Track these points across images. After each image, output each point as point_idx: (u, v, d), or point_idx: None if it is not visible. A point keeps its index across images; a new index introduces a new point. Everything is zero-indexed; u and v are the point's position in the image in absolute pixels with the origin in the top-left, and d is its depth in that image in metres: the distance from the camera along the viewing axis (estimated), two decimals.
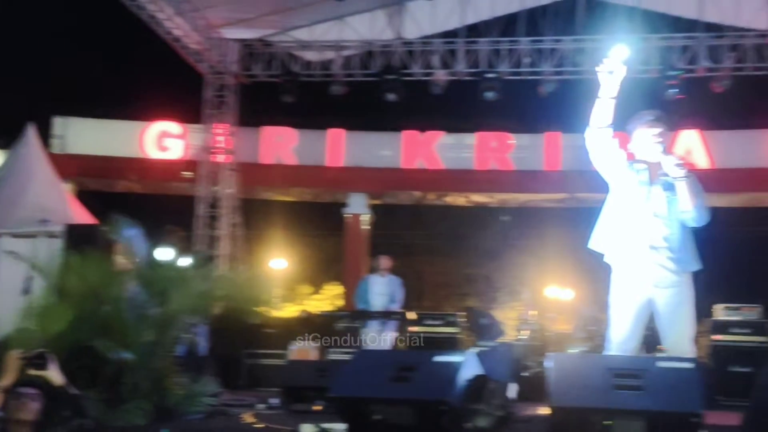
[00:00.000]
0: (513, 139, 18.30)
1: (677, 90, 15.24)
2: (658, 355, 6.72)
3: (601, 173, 4.94)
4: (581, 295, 12.39)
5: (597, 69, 4.73)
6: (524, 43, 16.07)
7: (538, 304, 12.06)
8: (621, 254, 4.79)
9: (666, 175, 4.72)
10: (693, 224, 4.73)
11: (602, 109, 4.75)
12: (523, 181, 17.98)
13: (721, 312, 11.39)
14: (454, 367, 4.67)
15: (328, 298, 26.31)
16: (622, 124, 5.06)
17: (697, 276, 4.92)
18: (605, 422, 4.26)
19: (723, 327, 11.12)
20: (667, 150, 4.79)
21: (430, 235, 26.54)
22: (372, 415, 4.64)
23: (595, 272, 17.87)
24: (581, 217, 21.70)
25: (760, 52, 15.57)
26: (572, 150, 17.89)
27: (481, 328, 12.41)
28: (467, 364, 4.71)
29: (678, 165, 4.60)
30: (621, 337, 4.82)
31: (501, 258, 27.56)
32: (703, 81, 15.81)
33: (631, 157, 4.93)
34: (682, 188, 4.61)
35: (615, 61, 4.67)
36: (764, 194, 17.56)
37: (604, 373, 4.42)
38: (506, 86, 16.02)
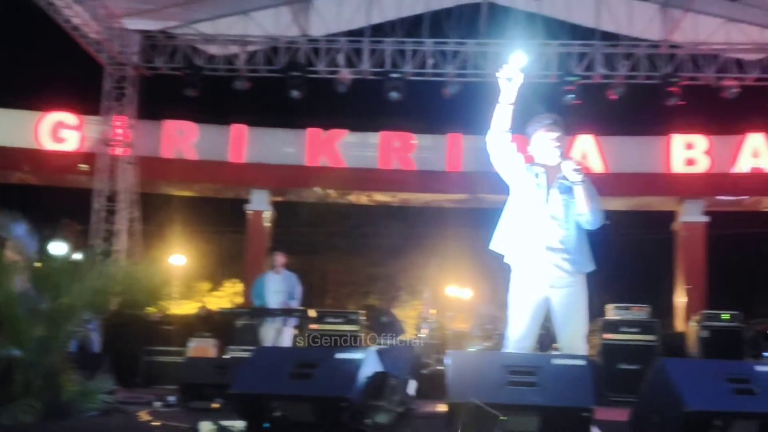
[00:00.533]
0: (416, 140, 18.43)
1: (574, 95, 15.71)
2: (553, 353, 6.96)
3: (501, 176, 5.05)
4: (480, 295, 12.64)
5: (497, 75, 4.82)
6: (428, 44, 16.28)
7: (438, 303, 12.22)
8: (519, 255, 4.90)
9: (564, 178, 4.85)
10: (588, 227, 4.88)
11: (501, 114, 4.86)
12: (425, 181, 18.16)
13: (612, 312, 11.79)
14: (355, 364, 4.70)
15: (227, 296, 26.01)
16: (521, 127, 5.18)
17: (590, 276, 5.09)
18: (501, 418, 4.36)
19: (613, 326, 11.52)
20: (565, 154, 4.91)
21: (333, 234, 26.55)
22: (272, 411, 4.62)
23: (494, 272, 18.27)
24: (482, 218, 22.08)
25: (652, 62, 16.19)
26: (474, 151, 18.19)
27: (382, 326, 12.54)
28: (368, 362, 4.74)
29: (576, 170, 4.72)
30: (518, 336, 4.93)
31: (403, 257, 27.85)
32: (599, 88, 16.34)
33: (530, 160, 5.04)
34: (579, 192, 4.75)
35: (513, 67, 4.78)
36: (654, 198, 18.28)
37: (499, 370, 4.53)
38: (410, 87, 16.20)
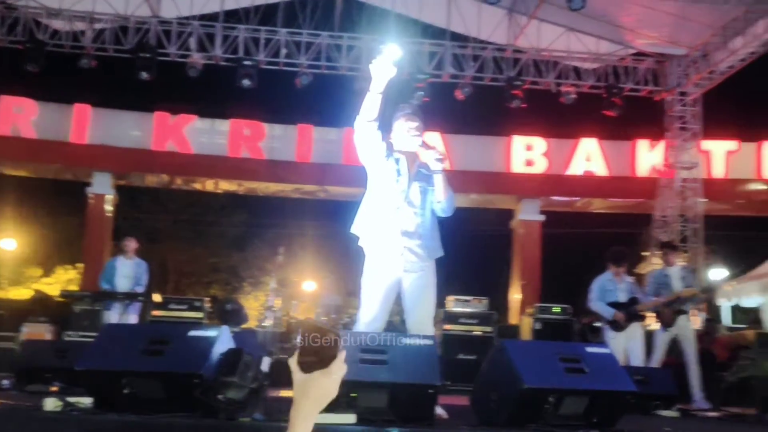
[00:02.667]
0: (266, 129, 18.37)
1: (423, 93, 16.15)
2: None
3: (364, 162, 5.17)
4: (325, 285, 12.84)
5: (370, 65, 4.94)
6: (282, 33, 16.28)
7: (283, 292, 12.28)
8: (374, 239, 5.04)
9: (422, 166, 5.03)
10: (443, 214, 5.11)
11: (370, 103, 4.96)
12: (274, 171, 18.13)
13: (452, 304, 12.24)
14: (208, 342, 4.73)
15: (59, 282, 24.91)
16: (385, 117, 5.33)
17: (438, 265, 5.32)
18: (352, 394, 4.52)
19: (453, 318, 11.96)
20: (426, 144, 5.06)
21: (177, 221, 26.01)
22: (122, 388, 4.58)
23: (340, 263, 18.50)
24: (330, 210, 22.39)
25: (498, 64, 16.89)
26: (323, 143, 18.38)
27: (227, 313, 12.47)
28: (221, 339, 4.78)
29: (438, 159, 4.89)
30: (369, 317, 5.09)
31: (247, 248, 27.67)
32: (447, 87, 16.88)
33: (389, 148, 5.19)
34: (439, 180, 4.96)
35: (387, 60, 4.89)
36: (495, 196, 19.05)
37: (351, 350, 4.68)
38: (262, 75, 16.17)
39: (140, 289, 10.86)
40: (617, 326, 8.98)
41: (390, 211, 5.01)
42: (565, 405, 4.84)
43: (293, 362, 1.83)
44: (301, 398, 1.76)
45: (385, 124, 5.19)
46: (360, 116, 4.99)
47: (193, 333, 4.86)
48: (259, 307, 25.58)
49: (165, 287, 24.48)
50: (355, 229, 5.13)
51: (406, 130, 5.14)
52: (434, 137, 17.94)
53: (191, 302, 12.47)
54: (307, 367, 1.78)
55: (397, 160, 5.10)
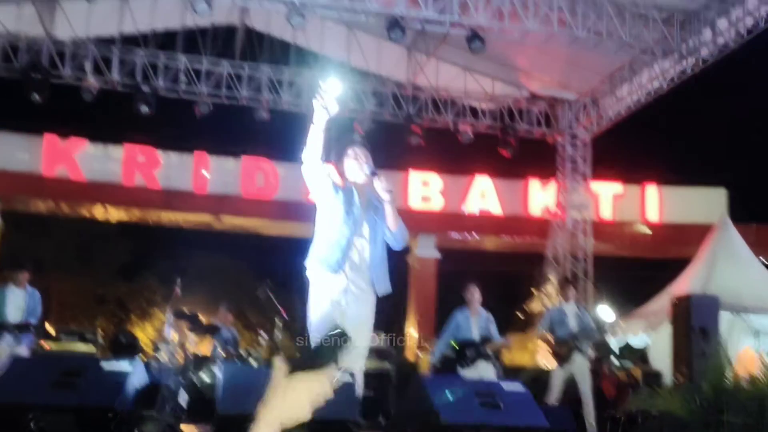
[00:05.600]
0: (161, 156, 18.03)
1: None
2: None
3: (312, 194, 5.12)
4: (221, 318, 12.69)
5: (313, 101, 4.89)
6: (182, 60, 16.10)
7: (177, 324, 12.01)
8: (320, 270, 4.99)
9: (373, 197, 5.01)
10: (396, 246, 5.12)
11: (313, 139, 4.92)
12: (168, 200, 17.80)
13: None
14: (122, 374, 4.61)
15: None
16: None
17: None
18: None
19: None
20: (375, 172, 5.03)
21: (61, 249, 25.07)
22: (29, 423, 4.40)
23: (235, 296, 18.22)
24: (225, 241, 22.09)
25: (397, 100, 17.13)
26: (219, 173, 18.19)
27: (119, 345, 12.11)
28: (136, 371, 4.67)
29: (386, 189, 4.90)
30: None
31: (136, 278, 26.93)
32: (347, 120, 16.99)
33: (341, 177, 5.16)
34: (389, 210, 4.99)
35: (329, 96, 4.86)
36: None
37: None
38: (160, 102, 15.90)
39: (34, 321, 10.40)
40: (464, 363, 9.10)
41: (338, 242, 4.99)
42: None
43: (280, 360, 1.82)
44: (274, 398, 1.74)
45: (337, 154, 5.17)
46: (304, 151, 4.97)
47: (106, 365, 4.73)
48: (147, 340, 24.88)
49: (48, 318, 23.50)
50: (306, 261, 5.08)
51: (354, 160, 5.11)
52: (330, 170, 18.03)
53: (82, 334, 12.05)
54: (294, 368, 1.77)
55: (349, 191, 5.10)
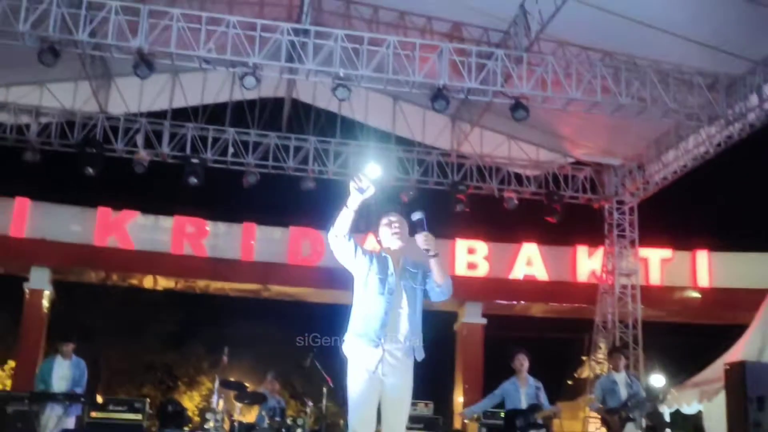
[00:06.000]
0: (209, 226, 18.34)
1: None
2: None
3: (347, 267, 5.18)
4: (268, 387, 12.72)
5: (350, 184, 4.93)
6: (230, 132, 16.45)
7: (224, 393, 12.05)
8: (359, 344, 5.00)
9: (409, 264, 5.04)
10: (440, 298, 5.13)
11: (345, 219, 4.98)
12: (216, 269, 18.04)
13: None
14: None
15: None
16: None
17: None
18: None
19: None
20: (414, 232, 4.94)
21: (111, 318, 25.42)
22: None
23: (283, 364, 18.24)
24: (272, 308, 22.20)
25: (442, 169, 17.26)
26: (266, 242, 18.43)
27: (168, 415, 12.18)
28: None
29: (429, 244, 4.91)
30: (358, 423, 4.98)
31: (183, 346, 27.15)
32: (392, 190, 17.14)
33: (379, 246, 5.23)
34: (435, 264, 5.01)
35: (368, 179, 4.90)
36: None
37: None
38: (208, 173, 16.23)
39: (80, 390, 10.54)
40: None
41: (376, 314, 5.00)
42: None
43: None
44: None
45: (374, 223, 5.25)
46: (332, 229, 5.03)
47: None
48: (194, 408, 24.93)
49: (98, 385, 23.73)
50: (345, 337, 5.09)
51: (388, 228, 5.15)
52: (373, 242, 18.14)
53: (131, 403, 12.16)
54: None
55: (384, 259, 5.08)
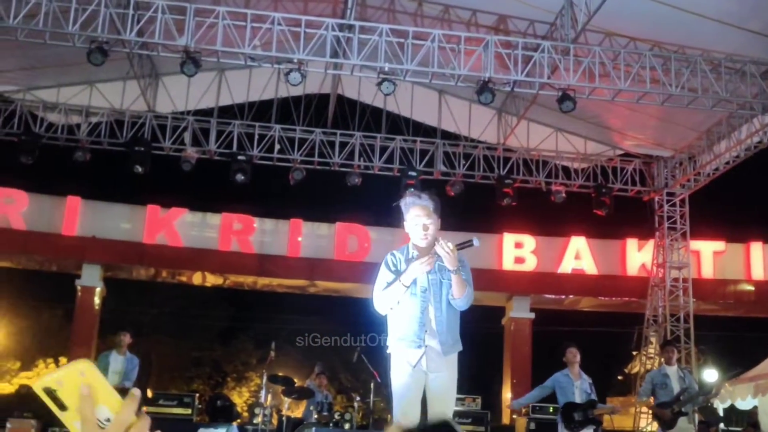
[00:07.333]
0: (256, 223, 18.49)
1: (414, 189, 16.36)
2: None
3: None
4: (315, 382, 12.85)
5: (437, 244, 4.69)
6: (277, 129, 16.57)
7: (272, 388, 12.17)
8: (399, 343, 4.99)
9: (439, 258, 4.89)
10: (460, 309, 5.06)
11: (394, 294, 4.82)
12: (264, 265, 18.18)
13: None
14: None
15: (41, 377, 24.31)
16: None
17: None
18: None
19: None
20: (435, 234, 4.86)
21: (161, 315, 25.83)
22: None
23: (330, 360, 18.32)
24: (319, 304, 22.34)
25: (489, 163, 17.18)
26: (313, 238, 18.54)
27: (217, 410, 12.32)
28: None
29: (450, 258, 4.76)
30: (402, 416, 4.97)
31: (231, 342, 27.46)
32: (438, 184, 17.12)
33: (407, 239, 5.12)
34: (454, 279, 4.88)
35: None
36: (487, 294, 18.94)
37: None
38: (255, 170, 16.36)
39: (129, 385, 10.72)
40: (571, 426, 8.86)
41: (413, 315, 4.96)
42: None
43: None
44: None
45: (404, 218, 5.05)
46: (380, 301, 4.92)
47: (203, 430, 4.84)
48: (243, 404, 25.20)
49: (147, 381, 24.12)
50: (387, 342, 5.07)
51: (414, 224, 4.91)
52: None
53: (181, 398, 12.35)
54: None
55: (411, 259, 4.92)
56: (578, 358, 9.16)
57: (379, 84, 12.77)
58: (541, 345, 19.13)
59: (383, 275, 4.98)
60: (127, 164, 15.56)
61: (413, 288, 4.91)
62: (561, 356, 9.26)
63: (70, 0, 11.42)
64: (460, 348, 5.07)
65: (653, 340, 17.15)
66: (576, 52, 12.96)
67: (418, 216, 4.90)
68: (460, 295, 4.88)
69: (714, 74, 13.16)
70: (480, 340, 23.09)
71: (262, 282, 19.60)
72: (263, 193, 18.97)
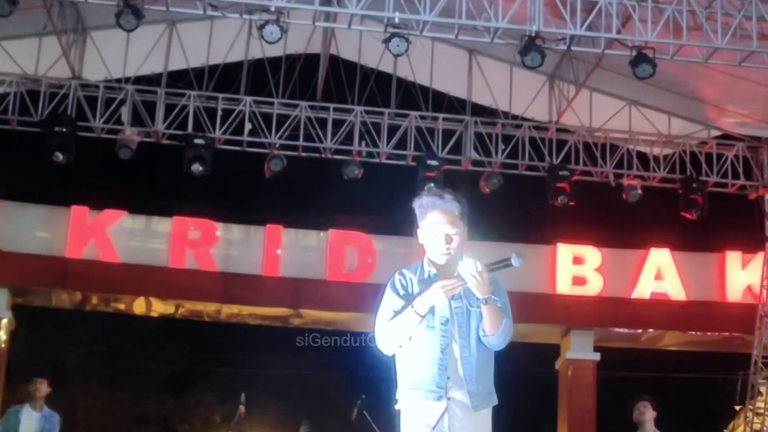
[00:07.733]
0: (220, 230, 18.39)
1: (434, 185, 16.34)
2: None
3: None
4: None
5: (461, 265, 4.61)
6: (247, 102, 16.56)
7: None
8: (416, 398, 4.93)
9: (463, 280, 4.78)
10: (496, 348, 4.99)
11: (409, 327, 4.76)
12: (229, 288, 18.06)
13: None
14: None
15: None
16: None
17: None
18: None
19: None
20: (461, 248, 4.75)
21: (90, 355, 25.87)
22: None
23: (317, 410, 18.30)
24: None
25: (537, 148, 17.12)
26: (297, 251, 18.48)
27: None
28: None
29: (478, 283, 4.68)
30: None
31: (187, 391, 27.48)
32: (468, 177, 17.08)
33: (422, 254, 5.03)
34: (484, 311, 4.81)
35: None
36: (535, 326, 18.88)
37: None
38: (218, 158, 16.35)
39: None
40: None
41: (430, 355, 4.91)
42: None
43: None
44: None
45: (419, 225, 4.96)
46: (382, 334, 4.87)
47: None
48: None
49: None
50: (397, 393, 5.03)
51: (432, 233, 4.81)
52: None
53: None
54: None
55: (429, 282, 4.74)
56: (651, 415, 9.22)
57: (387, 41, 12.74)
58: (608, 396, 19.07)
59: (390, 301, 4.91)
60: (44, 151, 15.54)
61: (430, 319, 4.82)
62: (630, 413, 9.30)
63: None
64: (495, 402, 5.02)
65: (763, 390, 17.09)
66: None
67: (438, 223, 4.79)
68: (495, 331, 4.79)
69: None
70: (524, 390, 23.11)
71: (228, 311, 19.52)
72: (229, 190, 18.94)
